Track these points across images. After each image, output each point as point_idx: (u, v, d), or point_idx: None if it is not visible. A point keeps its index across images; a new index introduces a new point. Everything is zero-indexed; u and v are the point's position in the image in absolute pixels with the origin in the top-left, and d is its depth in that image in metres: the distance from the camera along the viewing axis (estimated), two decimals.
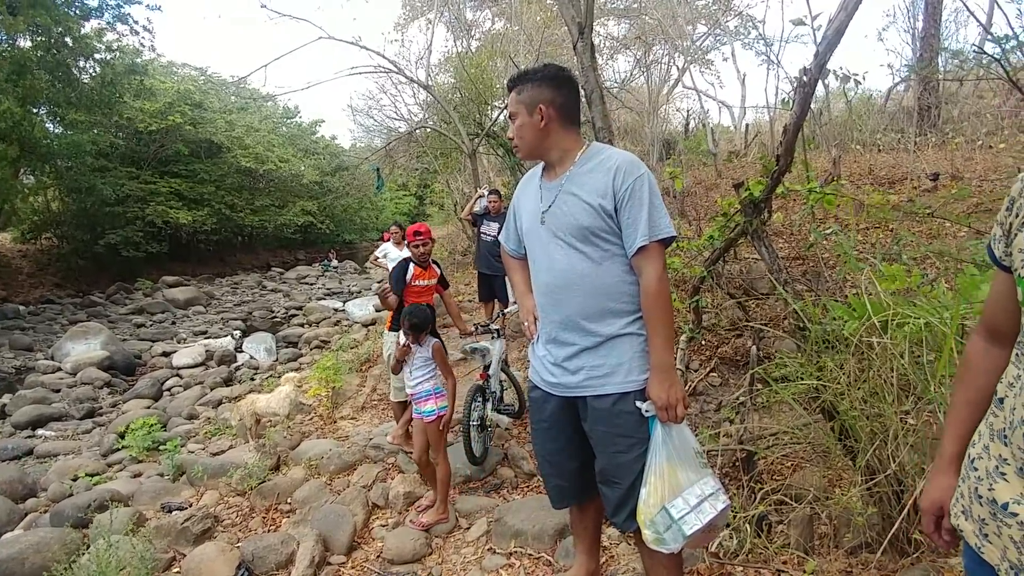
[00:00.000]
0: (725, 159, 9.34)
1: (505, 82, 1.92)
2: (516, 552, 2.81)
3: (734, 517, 2.42)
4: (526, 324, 1.96)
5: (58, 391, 7.73)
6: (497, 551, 2.87)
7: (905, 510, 2.09)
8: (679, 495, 1.62)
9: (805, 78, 1.96)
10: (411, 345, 3.07)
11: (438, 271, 4.07)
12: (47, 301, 15.21)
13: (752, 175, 3.87)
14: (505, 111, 1.98)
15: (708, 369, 4.13)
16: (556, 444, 1.92)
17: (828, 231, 4.02)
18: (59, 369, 8.68)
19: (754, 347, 3.15)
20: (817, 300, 2.49)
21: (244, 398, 5.50)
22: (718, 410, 3.69)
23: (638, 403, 1.71)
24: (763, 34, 13.35)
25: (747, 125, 11.70)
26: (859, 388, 2.15)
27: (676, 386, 1.68)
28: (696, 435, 3.23)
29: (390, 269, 4.53)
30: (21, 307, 13.78)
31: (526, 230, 1.91)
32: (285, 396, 4.88)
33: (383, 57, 10.92)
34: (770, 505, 2.50)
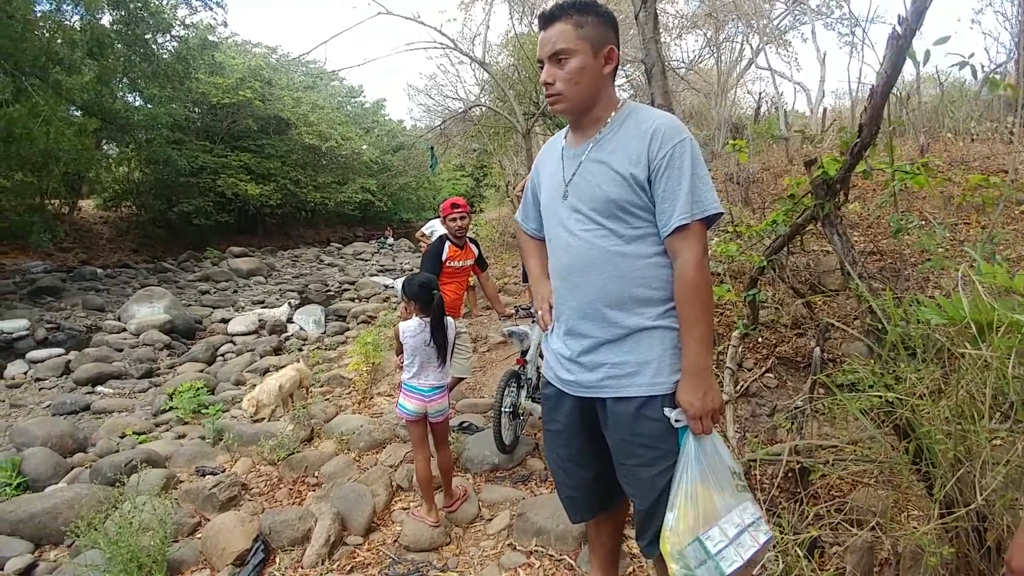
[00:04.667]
0: (798, 145, 8.71)
1: (546, 9, 1.52)
2: (537, 551, 2.63)
3: (781, 537, 2.15)
4: (539, 313, 1.71)
5: (121, 350, 8.10)
6: (518, 548, 2.70)
7: (986, 548, 1.77)
8: (715, 524, 1.35)
9: (900, 29, 1.62)
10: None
11: (476, 250, 3.89)
12: (123, 265, 16.14)
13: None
14: None
15: (764, 369, 3.79)
16: (569, 450, 1.67)
17: (911, 224, 3.58)
18: (124, 330, 9.12)
19: (818, 348, 2.81)
20: (898, 300, 2.15)
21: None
22: (772, 415, 3.37)
23: (666, 410, 1.45)
24: (851, 11, 12.34)
25: (824, 109, 10.88)
26: (943, 404, 1.81)
27: (712, 392, 1.41)
28: (745, 442, 2.96)
29: None
30: (99, 270, 14.65)
31: (544, 205, 1.65)
32: (276, 384, 4.91)
33: (441, 33, 10.78)
34: (824, 529, 2.20)
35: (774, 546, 2.09)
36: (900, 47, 1.65)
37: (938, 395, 1.85)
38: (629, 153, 1.45)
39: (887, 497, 2.30)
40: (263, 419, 4.75)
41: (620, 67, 1.67)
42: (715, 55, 12.58)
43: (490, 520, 2.99)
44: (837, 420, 2.56)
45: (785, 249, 2.92)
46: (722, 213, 1.45)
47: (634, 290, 1.47)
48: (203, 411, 5.51)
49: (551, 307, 1.66)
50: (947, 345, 1.77)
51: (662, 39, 6.09)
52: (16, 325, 8.92)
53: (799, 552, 2.09)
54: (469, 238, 3.84)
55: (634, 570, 2.38)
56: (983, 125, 8.21)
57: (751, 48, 12.82)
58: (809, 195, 2.35)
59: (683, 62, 13.48)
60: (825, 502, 2.38)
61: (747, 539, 1.36)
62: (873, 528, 2.13)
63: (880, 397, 1.94)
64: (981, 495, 1.69)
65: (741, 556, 1.33)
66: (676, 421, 1.45)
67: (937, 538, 1.85)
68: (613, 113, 1.52)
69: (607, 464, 1.60)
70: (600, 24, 1.46)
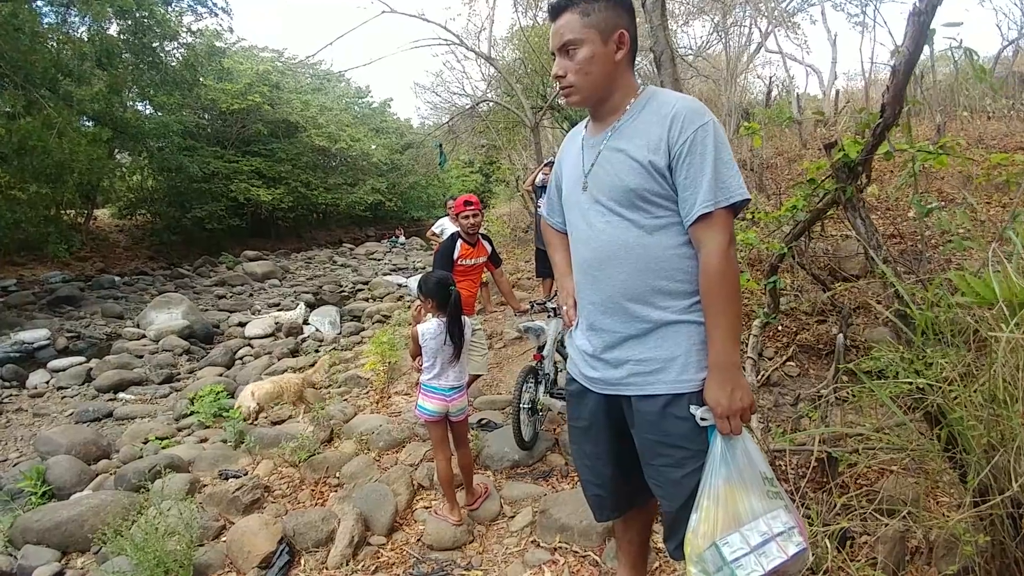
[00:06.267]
0: (811, 129, 8.57)
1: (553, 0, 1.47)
2: (561, 548, 2.62)
3: (810, 528, 2.11)
4: (564, 309, 1.67)
5: (141, 357, 8.18)
6: (541, 545, 2.69)
7: (1023, 536, 1.73)
8: (737, 529, 1.29)
9: (920, 5, 1.57)
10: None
11: (488, 247, 3.87)
12: (140, 273, 16.31)
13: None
14: None
15: (785, 358, 3.74)
16: (595, 447, 1.63)
17: (933, 205, 3.50)
18: (143, 336, 9.21)
19: (840, 335, 2.76)
20: (924, 284, 2.09)
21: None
22: (795, 404, 3.32)
23: (693, 409, 1.40)
24: None
25: (837, 92, 10.69)
26: (975, 389, 1.76)
27: (741, 390, 1.35)
28: (768, 432, 2.91)
29: None
30: (116, 278, 14.81)
31: (566, 197, 1.61)
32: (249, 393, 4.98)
33: (445, 29, 10.74)
34: (854, 519, 2.16)
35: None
36: (922, 23, 1.60)
37: (970, 380, 1.80)
38: (648, 139, 1.40)
39: (918, 485, 2.26)
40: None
41: None
42: (723, 40, 12.42)
43: (512, 517, 2.98)
44: (864, 408, 2.52)
45: (805, 235, 2.86)
46: (748, 199, 1.39)
47: (658, 283, 1.42)
48: (224, 415, 5.55)
49: (576, 302, 1.62)
50: (977, 328, 1.72)
51: (669, 26, 6.01)
52: (37, 335, 9.04)
53: (829, 544, 2.06)
54: (481, 235, 3.83)
55: (660, 565, 2.36)
56: (999, 103, 8.04)
57: (760, 32, 12.66)
58: (829, 179, 2.30)
59: (691, 49, 13.33)
60: (854, 491, 2.34)
61: (773, 549, 1.28)
62: (904, 517, 2.08)
63: (909, 383, 1.90)
64: (1016, 481, 1.64)
65: (762, 566, 1.26)
66: (702, 420, 1.39)
67: (971, 526, 1.81)
68: (633, 99, 1.47)
69: (635, 462, 1.56)
70: (609, 9, 1.41)
